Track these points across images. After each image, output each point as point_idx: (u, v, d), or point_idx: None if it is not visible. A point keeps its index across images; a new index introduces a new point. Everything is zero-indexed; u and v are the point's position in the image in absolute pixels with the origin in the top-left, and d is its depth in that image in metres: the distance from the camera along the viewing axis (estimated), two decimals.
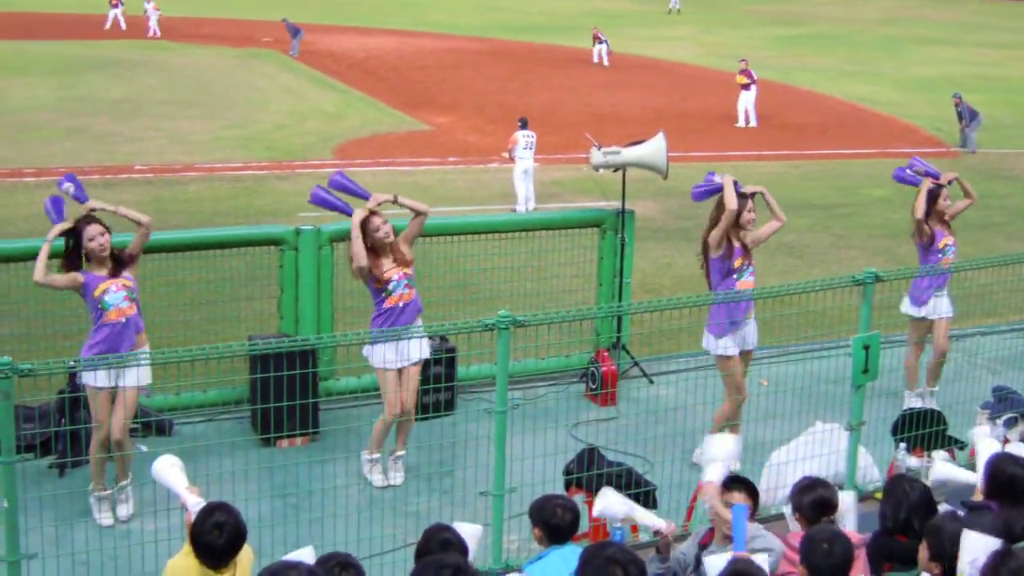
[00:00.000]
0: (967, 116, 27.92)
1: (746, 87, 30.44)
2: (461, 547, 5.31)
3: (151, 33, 45.36)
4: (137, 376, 8.05)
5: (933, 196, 10.36)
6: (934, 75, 40.03)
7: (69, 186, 8.38)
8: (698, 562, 6.02)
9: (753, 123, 30.28)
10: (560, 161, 24.24)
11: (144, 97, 31.71)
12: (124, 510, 8.32)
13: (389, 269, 8.82)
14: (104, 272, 8.13)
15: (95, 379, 8.00)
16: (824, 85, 37.78)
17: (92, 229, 8.11)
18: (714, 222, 9.24)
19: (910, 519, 5.73)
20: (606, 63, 40.84)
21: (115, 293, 8.08)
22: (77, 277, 8.08)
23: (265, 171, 23.38)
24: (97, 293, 8.05)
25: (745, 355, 9.33)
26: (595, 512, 6.01)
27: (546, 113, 30.15)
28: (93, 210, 8.26)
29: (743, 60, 31.51)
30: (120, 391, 8.07)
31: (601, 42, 41.36)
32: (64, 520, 7.71)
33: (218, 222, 18.26)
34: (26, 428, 8.80)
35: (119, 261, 8.21)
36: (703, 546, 6.08)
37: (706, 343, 9.32)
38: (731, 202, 9.11)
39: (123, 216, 8.32)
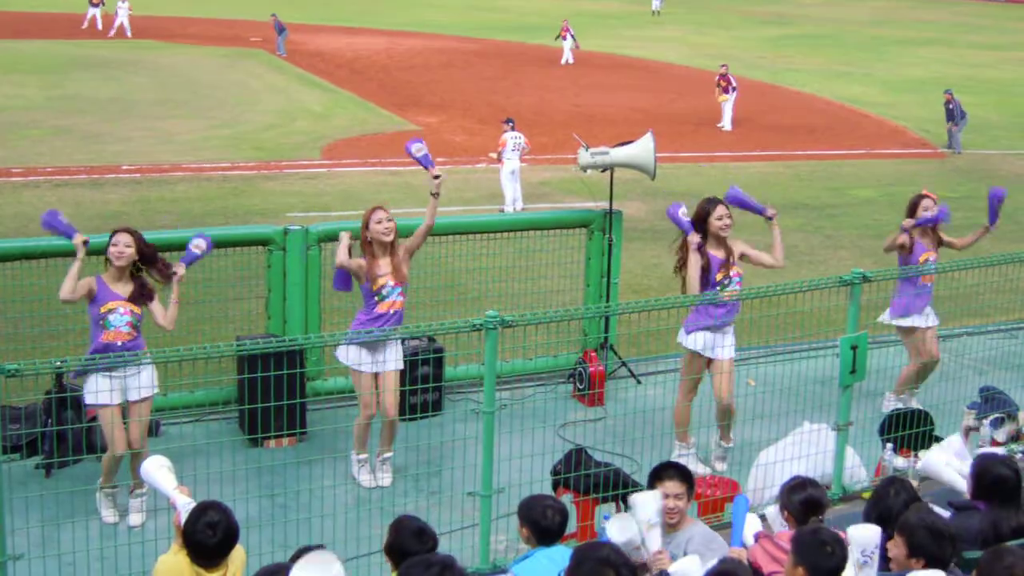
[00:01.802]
0: (958, 115, 27.73)
1: (725, 90, 30.37)
2: (433, 539, 5.28)
3: (113, 32, 44.50)
4: (149, 388, 8.02)
5: (913, 205, 10.35)
6: (923, 76, 40.14)
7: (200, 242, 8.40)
8: None
9: (728, 127, 30.13)
10: (548, 161, 24.25)
11: (133, 97, 31.63)
12: (138, 518, 8.25)
13: (385, 274, 8.72)
14: (120, 290, 8.02)
15: (104, 397, 7.92)
16: (813, 86, 37.85)
17: (120, 236, 8.04)
18: (681, 262, 9.22)
19: (894, 520, 5.75)
20: (571, 60, 40.81)
21: (120, 315, 7.97)
22: (91, 283, 7.99)
23: (253, 171, 23.33)
24: (103, 309, 7.95)
25: (718, 362, 9.19)
26: (611, 536, 5.54)
27: (535, 113, 30.17)
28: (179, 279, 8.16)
29: (723, 65, 31.24)
30: (132, 406, 8.04)
31: (564, 39, 41.28)
32: (51, 521, 7.69)
33: (206, 222, 18.19)
34: (12, 429, 8.78)
35: (144, 289, 8.12)
36: None
37: (680, 336, 9.31)
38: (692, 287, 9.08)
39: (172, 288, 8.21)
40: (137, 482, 8.19)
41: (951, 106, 27.77)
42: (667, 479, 6.06)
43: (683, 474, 6.13)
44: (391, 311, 8.74)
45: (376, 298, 8.71)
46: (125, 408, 8.12)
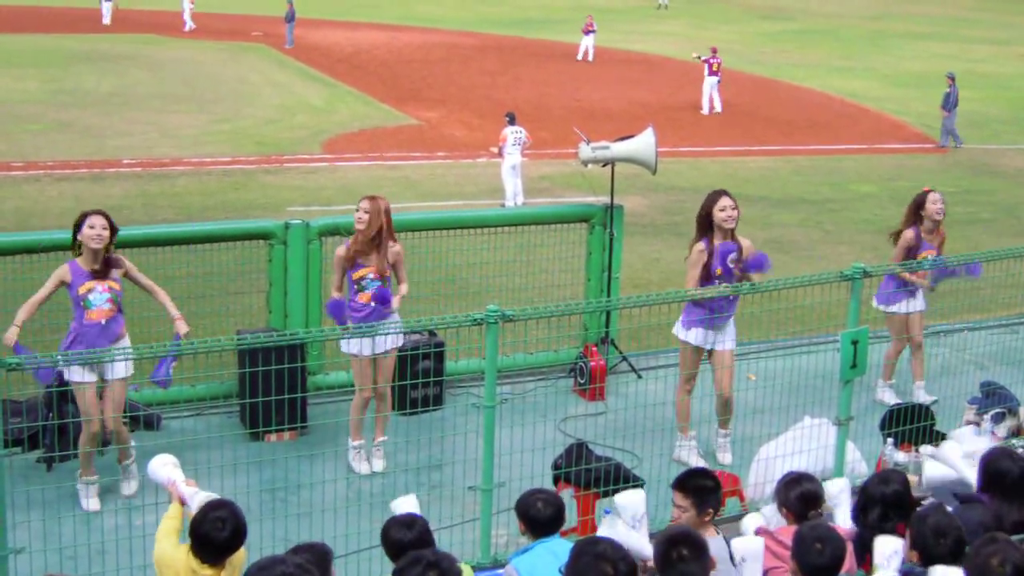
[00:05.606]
0: (954, 102, 27.47)
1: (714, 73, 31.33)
2: (423, 528, 5.28)
3: (187, 28, 45.48)
4: (125, 368, 8.12)
5: (919, 203, 10.33)
6: (924, 70, 40.11)
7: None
8: None
9: (717, 109, 31.27)
10: (549, 156, 24.24)
11: (133, 91, 31.62)
12: (128, 487, 8.44)
13: (367, 267, 8.79)
14: (91, 269, 8.10)
15: (81, 375, 8.03)
16: (813, 80, 37.83)
17: (95, 219, 8.08)
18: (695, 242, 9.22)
19: (876, 512, 5.79)
20: (591, 56, 40.84)
21: (100, 294, 8.08)
22: (63, 275, 8.07)
23: (254, 165, 23.33)
24: (81, 291, 8.05)
25: (718, 355, 9.19)
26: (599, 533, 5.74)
27: (535, 108, 30.15)
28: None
29: (713, 48, 32.07)
30: (108, 385, 8.11)
31: (589, 34, 41.29)
32: (52, 515, 7.68)
33: (207, 216, 18.21)
34: (13, 422, 8.77)
35: (108, 262, 8.17)
36: None
37: (675, 329, 9.30)
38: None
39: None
40: (123, 453, 8.39)
41: (950, 91, 27.47)
42: (676, 488, 5.98)
43: (694, 487, 5.86)
44: (372, 304, 8.80)
45: (356, 287, 8.84)
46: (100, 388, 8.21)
